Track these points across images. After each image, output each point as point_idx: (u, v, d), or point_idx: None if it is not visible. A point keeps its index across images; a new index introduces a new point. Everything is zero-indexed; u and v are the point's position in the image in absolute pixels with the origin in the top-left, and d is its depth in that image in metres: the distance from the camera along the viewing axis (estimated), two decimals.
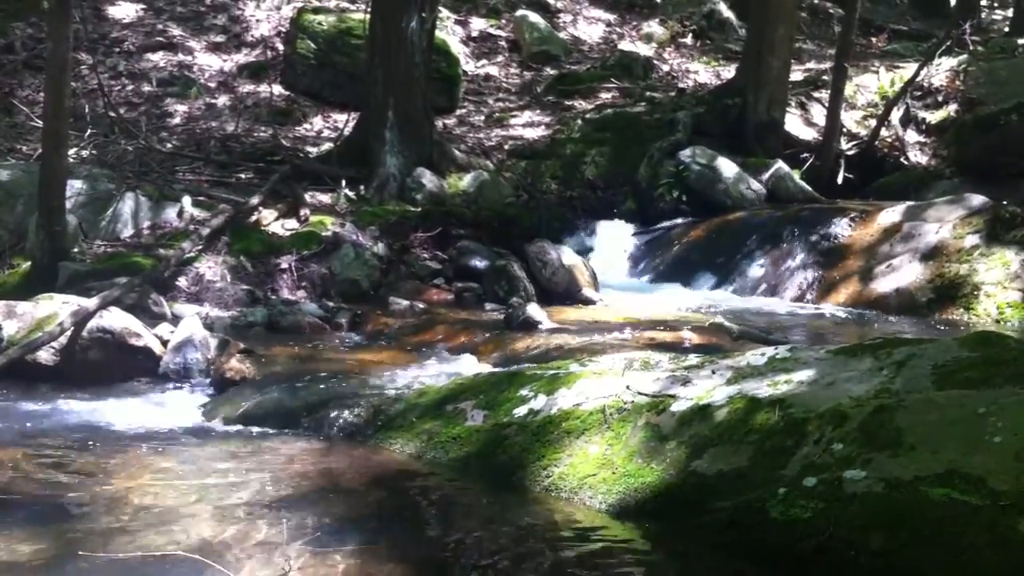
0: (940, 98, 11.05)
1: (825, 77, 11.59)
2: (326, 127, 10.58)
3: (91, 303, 5.46)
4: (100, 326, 5.39)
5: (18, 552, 2.87)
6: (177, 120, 10.29)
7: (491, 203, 8.89)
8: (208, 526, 3.06)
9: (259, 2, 12.88)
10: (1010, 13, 15.61)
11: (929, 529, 2.47)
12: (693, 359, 3.92)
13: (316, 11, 11.61)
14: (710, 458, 3.04)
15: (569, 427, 3.49)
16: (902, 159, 10.48)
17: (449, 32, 12.67)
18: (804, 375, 3.25)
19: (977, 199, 7.67)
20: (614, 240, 9.10)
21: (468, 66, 12.66)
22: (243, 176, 8.92)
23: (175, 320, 5.90)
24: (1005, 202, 7.58)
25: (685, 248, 8.69)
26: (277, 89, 10.99)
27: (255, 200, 7.84)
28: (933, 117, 10.86)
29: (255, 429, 4.40)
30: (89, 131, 8.99)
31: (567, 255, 7.43)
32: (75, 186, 7.20)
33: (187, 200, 7.75)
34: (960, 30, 11.86)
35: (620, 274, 8.74)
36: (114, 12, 12.23)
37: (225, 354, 5.45)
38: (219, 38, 12.07)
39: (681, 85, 12.53)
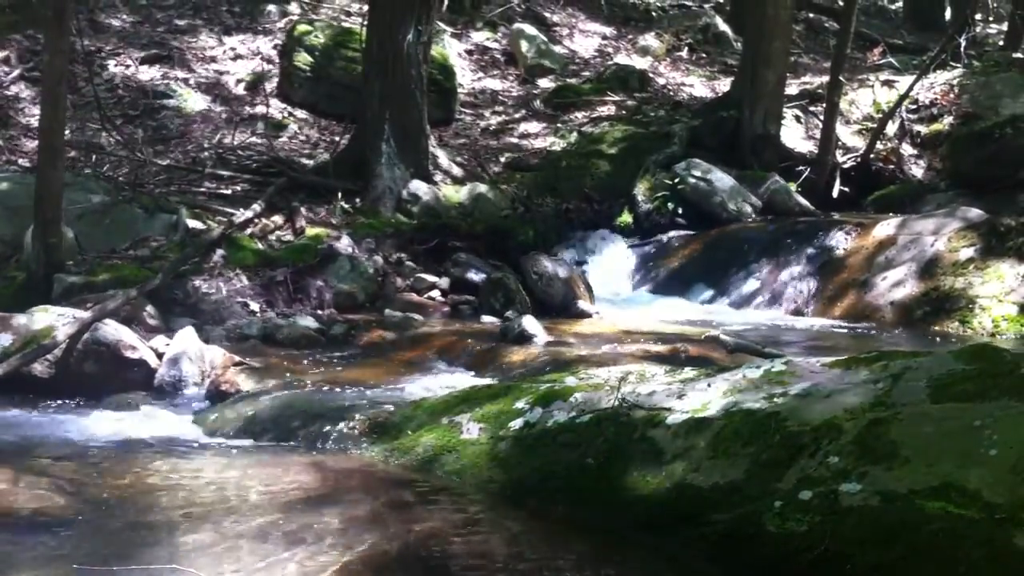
0: (935, 111, 11.09)
1: (821, 90, 11.62)
2: (322, 139, 10.59)
3: (86, 315, 5.46)
4: (95, 338, 5.39)
5: (12, 567, 2.85)
6: (173, 132, 10.29)
7: (487, 215, 8.89)
8: (203, 539, 3.05)
9: (256, 15, 12.91)
10: (1004, 27, 15.67)
11: (925, 543, 2.46)
12: (689, 372, 3.92)
13: (313, 24, 11.63)
14: (706, 471, 3.03)
15: (565, 440, 3.49)
16: (898, 172, 10.52)
17: (446, 45, 12.69)
18: (800, 388, 3.24)
19: (972, 212, 7.70)
20: (610, 253, 9.10)
21: (465, 79, 12.69)
22: (239, 188, 8.92)
23: (170, 332, 5.89)
24: (1000, 215, 7.60)
25: (681, 261, 8.69)
26: (274, 102, 11.00)
27: (251, 212, 7.84)
28: (928, 130, 10.89)
29: (250, 442, 4.38)
30: (85, 143, 8.99)
31: (563, 268, 7.43)
32: (71, 198, 7.20)
33: (183, 212, 7.75)
34: (955, 44, 11.91)
35: (616, 287, 8.74)
36: (111, 24, 12.24)
37: (220, 366, 5.45)
38: (216, 51, 12.09)
39: (677, 98, 12.56)
